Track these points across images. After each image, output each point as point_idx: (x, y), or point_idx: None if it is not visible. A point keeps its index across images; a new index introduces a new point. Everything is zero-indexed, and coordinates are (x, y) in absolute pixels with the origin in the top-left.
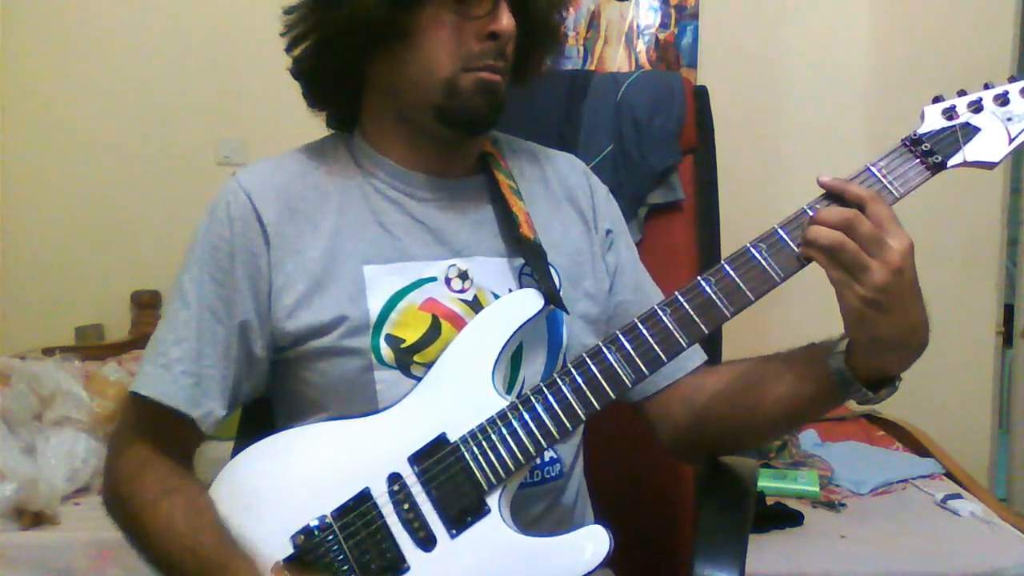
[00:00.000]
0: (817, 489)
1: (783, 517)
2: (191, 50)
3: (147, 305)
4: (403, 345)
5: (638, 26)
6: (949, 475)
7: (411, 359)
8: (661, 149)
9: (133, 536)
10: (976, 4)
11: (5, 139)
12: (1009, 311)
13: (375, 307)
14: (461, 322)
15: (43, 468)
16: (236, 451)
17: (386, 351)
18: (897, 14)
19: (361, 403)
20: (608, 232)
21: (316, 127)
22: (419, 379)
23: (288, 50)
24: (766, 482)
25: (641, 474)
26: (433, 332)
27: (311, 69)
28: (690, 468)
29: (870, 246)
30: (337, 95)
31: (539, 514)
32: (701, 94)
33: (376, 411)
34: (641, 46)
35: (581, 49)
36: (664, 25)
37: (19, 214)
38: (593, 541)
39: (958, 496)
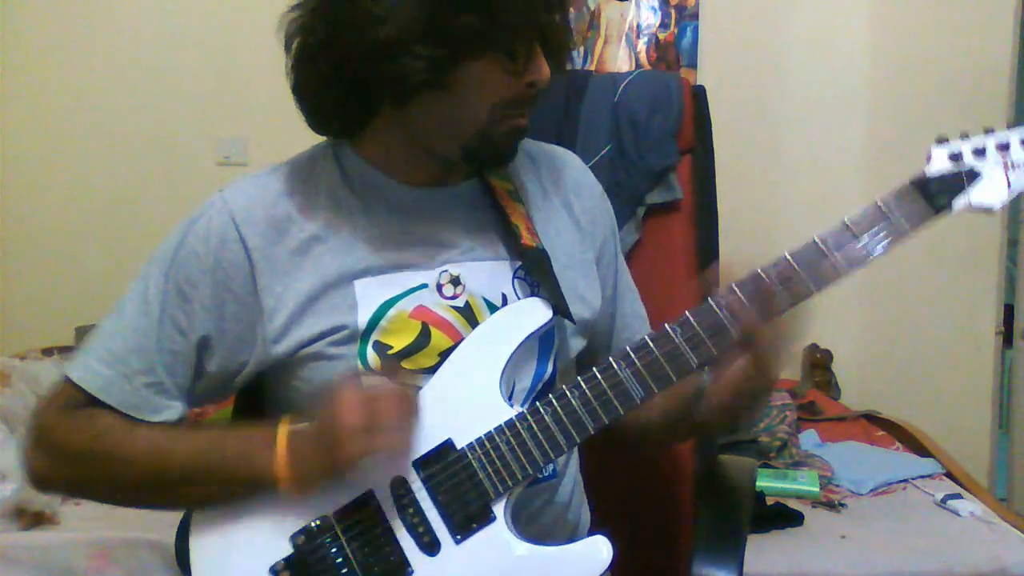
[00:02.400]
0: (817, 489)
1: (783, 517)
2: (191, 50)
3: None
4: (390, 352)
5: (638, 26)
6: (949, 475)
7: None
8: (659, 149)
9: (112, 475)
10: (976, 4)
11: (5, 139)
12: (1009, 311)
13: (364, 317)
14: (452, 329)
15: None
16: None
17: (372, 358)
18: (897, 14)
19: None
20: (603, 241)
21: None
22: (407, 386)
23: (290, 71)
24: (766, 482)
25: (640, 474)
26: (423, 339)
27: (314, 92)
28: (689, 468)
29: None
30: (338, 115)
31: (536, 512)
32: (699, 93)
33: None
34: (641, 46)
35: (581, 49)
36: (664, 25)
37: (19, 214)
38: (596, 551)
39: (958, 496)
